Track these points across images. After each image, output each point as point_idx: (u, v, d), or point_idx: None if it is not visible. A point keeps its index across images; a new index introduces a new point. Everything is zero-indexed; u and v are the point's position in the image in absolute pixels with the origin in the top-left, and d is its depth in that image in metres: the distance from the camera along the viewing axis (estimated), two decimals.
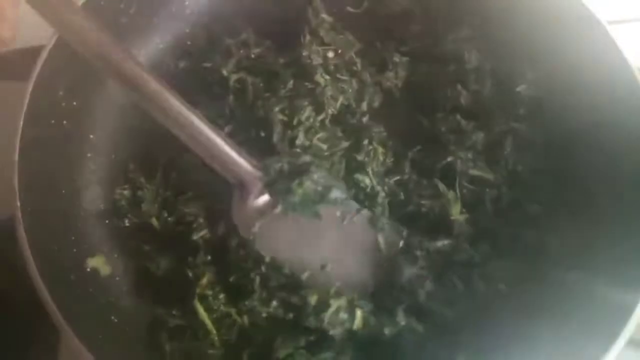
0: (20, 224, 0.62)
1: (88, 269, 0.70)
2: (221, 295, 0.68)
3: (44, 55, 0.71)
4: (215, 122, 0.76)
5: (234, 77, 0.82)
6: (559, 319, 0.65)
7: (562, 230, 0.72)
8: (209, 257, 0.71)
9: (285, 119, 0.77)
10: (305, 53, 0.82)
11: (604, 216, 0.70)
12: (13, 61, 0.92)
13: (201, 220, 0.73)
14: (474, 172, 0.76)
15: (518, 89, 0.80)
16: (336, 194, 0.72)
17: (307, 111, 0.78)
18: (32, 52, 0.76)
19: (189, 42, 0.89)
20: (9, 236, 0.77)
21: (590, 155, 0.74)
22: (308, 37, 0.83)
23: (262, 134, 0.77)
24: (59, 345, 0.77)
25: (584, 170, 0.75)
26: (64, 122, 0.74)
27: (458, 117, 0.81)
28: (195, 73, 0.85)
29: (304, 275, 0.68)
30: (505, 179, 0.77)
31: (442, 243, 0.71)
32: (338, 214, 0.72)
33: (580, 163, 0.75)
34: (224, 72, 0.82)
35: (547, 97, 0.79)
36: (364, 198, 0.75)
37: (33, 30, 0.78)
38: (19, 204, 0.63)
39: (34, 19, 0.70)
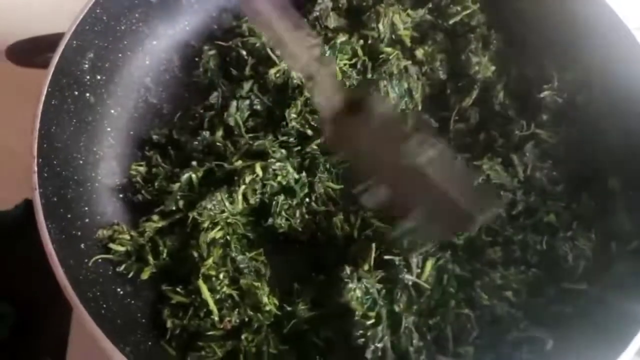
0: (36, 189, 0.64)
1: (99, 240, 0.70)
2: (224, 277, 0.68)
3: (73, 27, 0.73)
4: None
5: (251, 61, 0.82)
6: (567, 327, 0.64)
7: (576, 241, 0.71)
8: (217, 236, 0.70)
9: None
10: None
11: (620, 229, 0.69)
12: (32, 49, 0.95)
13: None
14: (489, 173, 0.75)
15: (542, 94, 0.79)
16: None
17: None
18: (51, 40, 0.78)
19: (215, 26, 0.90)
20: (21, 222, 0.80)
21: (613, 167, 0.73)
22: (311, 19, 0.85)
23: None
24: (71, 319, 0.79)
25: (604, 183, 0.73)
26: (87, 94, 0.76)
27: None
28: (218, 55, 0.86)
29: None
30: (522, 185, 0.76)
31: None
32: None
33: (601, 174, 0.74)
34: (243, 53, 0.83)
35: (572, 104, 0.78)
36: None
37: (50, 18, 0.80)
38: (36, 169, 0.64)
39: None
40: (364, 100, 0.64)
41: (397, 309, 0.65)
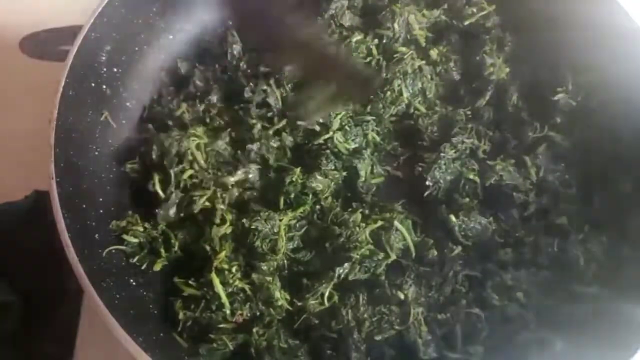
0: (53, 178, 0.64)
1: (112, 231, 0.71)
2: (237, 270, 0.68)
3: (91, 19, 0.73)
4: None
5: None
6: (577, 330, 0.64)
7: (587, 244, 0.71)
8: (228, 231, 0.71)
9: None
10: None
11: (632, 232, 0.69)
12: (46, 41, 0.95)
13: None
14: (502, 174, 0.75)
15: (556, 97, 0.79)
16: None
17: None
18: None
19: (230, 22, 0.90)
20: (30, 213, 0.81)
21: (626, 170, 0.73)
22: (327, 17, 0.85)
23: None
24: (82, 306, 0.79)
25: (617, 186, 0.73)
26: (104, 86, 0.76)
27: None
28: None
29: None
30: (534, 186, 0.76)
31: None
32: None
33: (614, 177, 0.74)
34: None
35: (586, 107, 0.78)
36: None
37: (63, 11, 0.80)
38: (53, 158, 0.65)
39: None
40: None
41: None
